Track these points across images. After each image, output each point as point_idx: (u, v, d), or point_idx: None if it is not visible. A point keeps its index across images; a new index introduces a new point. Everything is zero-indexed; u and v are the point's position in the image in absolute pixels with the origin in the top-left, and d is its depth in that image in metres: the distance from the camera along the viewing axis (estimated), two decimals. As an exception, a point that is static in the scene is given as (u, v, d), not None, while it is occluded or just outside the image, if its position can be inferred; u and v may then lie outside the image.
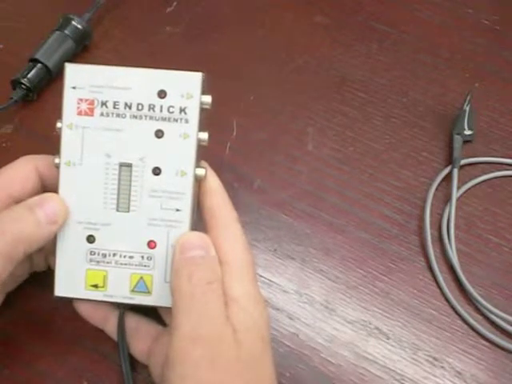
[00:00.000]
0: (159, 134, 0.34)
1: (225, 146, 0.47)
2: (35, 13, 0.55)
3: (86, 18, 0.51)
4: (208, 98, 0.34)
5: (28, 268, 0.38)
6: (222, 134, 0.48)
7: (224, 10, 0.56)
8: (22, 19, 0.54)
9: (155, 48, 0.52)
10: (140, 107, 0.34)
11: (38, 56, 0.48)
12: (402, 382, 0.39)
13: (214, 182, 0.35)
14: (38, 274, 0.38)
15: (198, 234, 0.34)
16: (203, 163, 0.36)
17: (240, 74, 0.51)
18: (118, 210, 0.34)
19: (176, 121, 0.34)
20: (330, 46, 0.54)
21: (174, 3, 0.55)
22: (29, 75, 0.47)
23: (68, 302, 0.37)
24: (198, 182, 0.35)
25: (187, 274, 0.32)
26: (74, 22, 0.50)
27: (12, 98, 0.47)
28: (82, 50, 0.52)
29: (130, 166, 0.34)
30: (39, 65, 0.48)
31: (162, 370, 0.33)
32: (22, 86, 0.47)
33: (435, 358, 0.39)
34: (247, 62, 0.52)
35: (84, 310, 0.36)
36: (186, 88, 0.34)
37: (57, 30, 0.50)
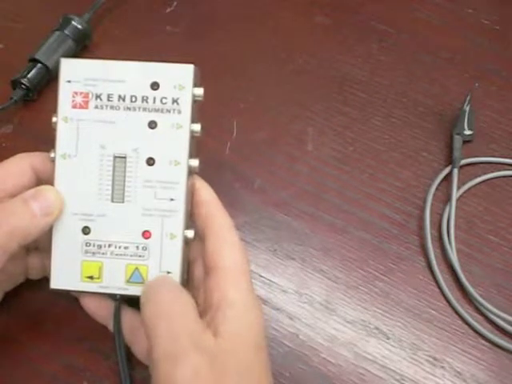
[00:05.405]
0: (152, 124, 0.35)
1: (225, 146, 0.47)
2: (35, 13, 0.55)
3: (86, 18, 0.51)
4: (200, 91, 0.35)
5: (24, 268, 0.37)
6: (222, 134, 0.48)
7: (224, 10, 0.56)
8: (22, 19, 0.54)
9: (155, 48, 0.52)
10: (133, 99, 0.35)
11: (37, 56, 0.48)
12: (402, 381, 0.39)
13: (206, 193, 0.36)
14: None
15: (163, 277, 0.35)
16: (195, 177, 0.36)
17: (240, 74, 0.51)
18: (112, 201, 0.35)
19: (169, 111, 0.35)
20: (330, 46, 0.54)
21: (174, 3, 0.55)
22: (29, 75, 0.47)
23: (68, 301, 0.37)
24: (192, 173, 0.35)
25: (152, 297, 0.32)
26: (74, 22, 0.50)
27: (12, 98, 0.47)
28: (82, 50, 0.52)
29: (124, 157, 0.35)
30: (39, 65, 0.48)
31: None
32: (22, 85, 0.47)
33: (435, 358, 0.39)
34: (247, 61, 0.52)
35: (89, 306, 0.36)
36: (178, 79, 0.35)
37: (57, 30, 0.50)
